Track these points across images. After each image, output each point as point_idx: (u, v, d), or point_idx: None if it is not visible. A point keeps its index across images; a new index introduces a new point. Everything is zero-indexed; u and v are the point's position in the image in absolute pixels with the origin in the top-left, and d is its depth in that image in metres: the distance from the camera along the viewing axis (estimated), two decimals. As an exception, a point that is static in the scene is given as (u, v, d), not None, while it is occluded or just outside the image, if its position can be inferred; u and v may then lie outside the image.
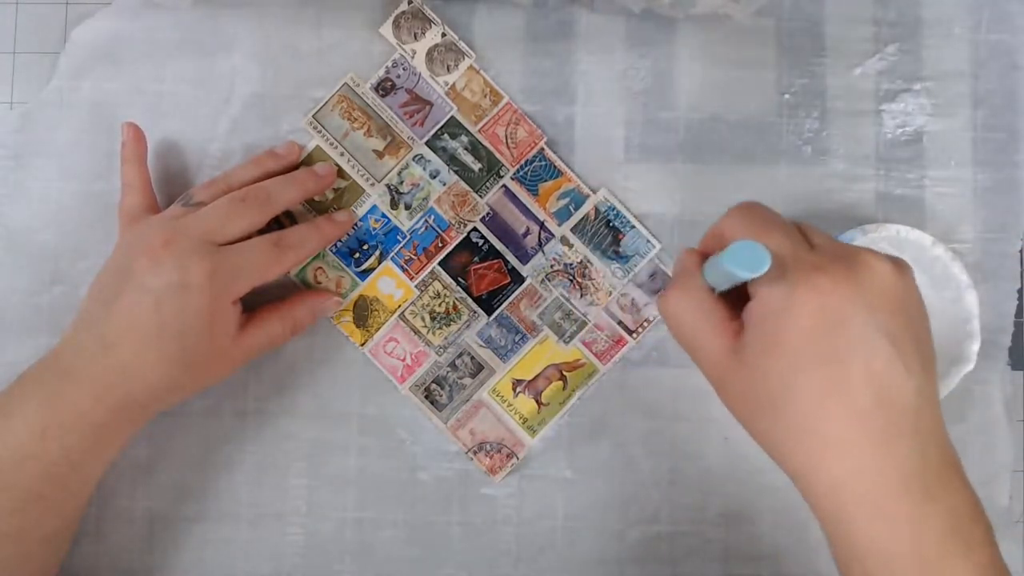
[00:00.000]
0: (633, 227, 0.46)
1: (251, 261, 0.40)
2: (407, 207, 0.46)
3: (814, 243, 0.32)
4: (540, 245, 0.46)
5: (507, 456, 0.45)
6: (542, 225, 0.46)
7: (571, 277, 0.46)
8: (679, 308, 0.33)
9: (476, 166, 0.46)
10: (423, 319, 0.46)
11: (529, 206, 0.46)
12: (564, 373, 0.46)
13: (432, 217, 0.46)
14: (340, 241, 0.46)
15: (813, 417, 0.30)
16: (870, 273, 0.30)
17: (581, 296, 0.46)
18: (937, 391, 0.32)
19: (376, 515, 0.45)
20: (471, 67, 0.46)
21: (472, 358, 0.46)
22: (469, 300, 0.46)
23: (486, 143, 0.46)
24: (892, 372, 0.30)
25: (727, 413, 0.34)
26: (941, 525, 0.29)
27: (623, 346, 0.46)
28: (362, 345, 0.46)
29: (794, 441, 0.31)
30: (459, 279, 0.46)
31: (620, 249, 0.46)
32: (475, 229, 0.46)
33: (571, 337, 0.46)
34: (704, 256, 0.34)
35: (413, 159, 0.46)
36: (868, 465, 0.30)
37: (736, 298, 0.32)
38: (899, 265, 0.31)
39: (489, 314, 0.46)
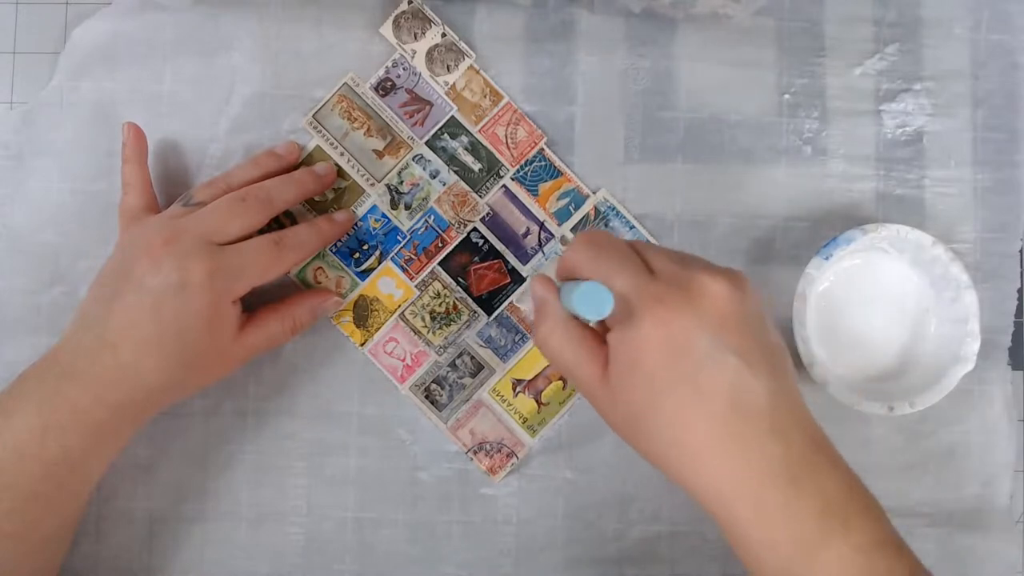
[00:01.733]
0: (633, 227, 0.46)
1: (251, 261, 0.40)
2: (407, 207, 0.46)
3: (654, 268, 0.34)
4: (540, 245, 0.46)
5: (507, 456, 0.45)
6: (542, 225, 0.46)
7: (571, 277, 0.46)
8: (551, 341, 0.35)
9: (476, 166, 0.46)
10: (423, 319, 0.46)
11: (529, 206, 0.46)
12: (564, 373, 0.46)
13: (432, 217, 0.46)
14: (340, 241, 0.46)
15: (679, 432, 0.33)
16: (706, 297, 0.33)
17: (581, 296, 0.46)
18: (794, 386, 0.34)
19: (376, 515, 0.45)
20: (471, 67, 0.46)
21: (472, 358, 0.46)
22: (469, 300, 0.46)
23: (486, 143, 0.46)
24: (741, 380, 0.32)
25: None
26: (814, 507, 0.31)
27: (623, 346, 0.46)
28: (362, 345, 0.46)
29: (670, 455, 0.33)
30: (459, 279, 0.46)
31: (620, 249, 0.46)
32: (475, 229, 0.46)
33: (571, 337, 0.46)
34: (556, 285, 0.37)
35: (413, 159, 0.46)
36: (736, 464, 0.32)
37: (602, 322, 0.35)
38: (734, 280, 0.34)
39: (489, 314, 0.46)
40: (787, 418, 0.32)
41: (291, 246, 0.42)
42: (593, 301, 0.32)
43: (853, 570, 0.31)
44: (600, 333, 0.35)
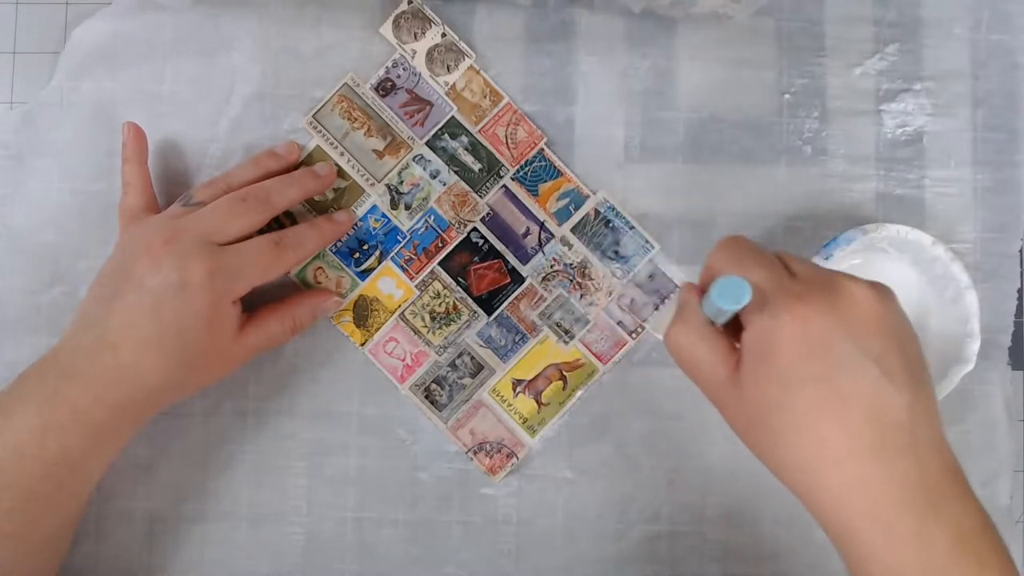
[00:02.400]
0: (633, 227, 0.46)
1: (251, 261, 0.40)
2: (407, 207, 0.46)
3: (795, 272, 0.33)
4: (540, 245, 0.46)
5: (507, 456, 0.45)
6: (542, 225, 0.46)
7: (571, 277, 0.46)
8: (682, 342, 0.34)
9: (476, 166, 0.46)
10: (423, 319, 0.46)
11: (529, 206, 0.46)
12: (564, 373, 0.46)
13: (432, 217, 0.46)
14: (340, 241, 0.46)
15: (807, 435, 0.31)
16: (850, 299, 0.31)
17: (581, 296, 0.46)
18: (934, 407, 0.32)
19: (376, 515, 0.45)
20: (471, 67, 0.46)
21: (472, 358, 0.46)
22: (469, 300, 0.46)
23: (486, 143, 0.46)
24: (880, 390, 0.30)
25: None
26: (947, 538, 0.30)
27: (623, 346, 0.46)
28: (362, 345, 0.46)
29: (793, 459, 0.32)
30: (459, 279, 0.46)
31: (620, 249, 0.46)
32: (475, 229, 0.46)
33: (571, 337, 0.46)
34: (702, 290, 0.36)
35: (413, 159, 0.46)
36: (866, 479, 0.30)
37: (737, 330, 0.34)
38: (879, 289, 0.32)
39: (489, 314, 0.46)
40: (925, 439, 0.31)
41: (291, 246, 0.42)
42: (732, 290, 0.31)
43: None
44: (734, 340, 0.34)
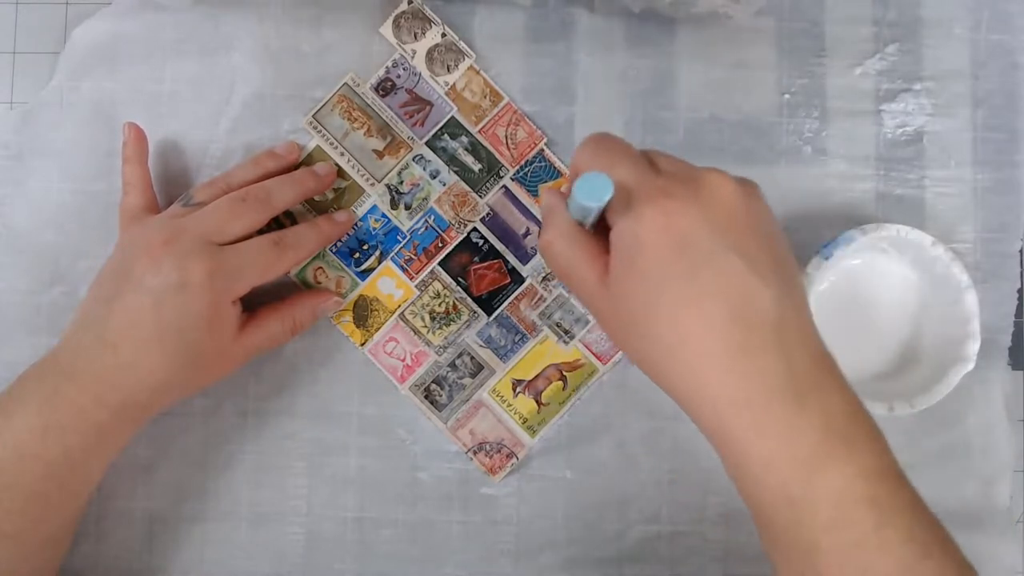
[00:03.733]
0: (633, 227, 0.46)
1: (251, 261, 0.40)
2: (407, 207, 0.46)
3: (661, 168, 0.33)
4: (540, 245, 0.46)
5: (507, 456, 0.46)
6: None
7: (571, 277, 0.46)
8: (553, 247, 0.34)
9: (476, 166, 0.46)
10: (423, 319, 0.46)
11: (529, 206, 0.46)
12: (564, 373, 0.46)
13: (432, 217, 0.46)
14: (340, 241, 0.46)
15: (675, 333, 0.30)
16: (715, 192, 0.31)
17: (581, 296, 0.46)
18: (802, 300, 0.32)
19: (376, 515, 0.45)
20: (471, 67, 0.46)
21: (472, 358, 0.46)
22: (469, 300, 0.46)
23: (486, 143, 0.46)
24: (746, 285, 0.30)
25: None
26: (816, 427, 0.29)
27: (623, 346, 0.46)
28: (362, 345, 0.46)
29: (664, 360, 0.31)
30: (459, 279, 0.46)
31: (620, 249, 0.46)
32: (475, 229, 0.46)
33: (571, 337, 0.46)
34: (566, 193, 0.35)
35: (413, 159, 0.46)
36: (733, 374, 0.30)
37: (608, 231, 0.33)
38: (745, 184, 0.32)
39: (489, 314, 0.46)
40: (794, 331, 0.31)
41: (291, 246, 0.42)
42: (594, 186, 0.30)
43: (854, 494, 0.29)
44: (605, 241, 0.33)
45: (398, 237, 0.46)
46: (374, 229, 0.46)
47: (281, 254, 0.41)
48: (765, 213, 0.32)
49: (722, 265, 0.30)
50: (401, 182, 0.46)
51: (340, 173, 0.46)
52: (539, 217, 0.46)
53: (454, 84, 0.46)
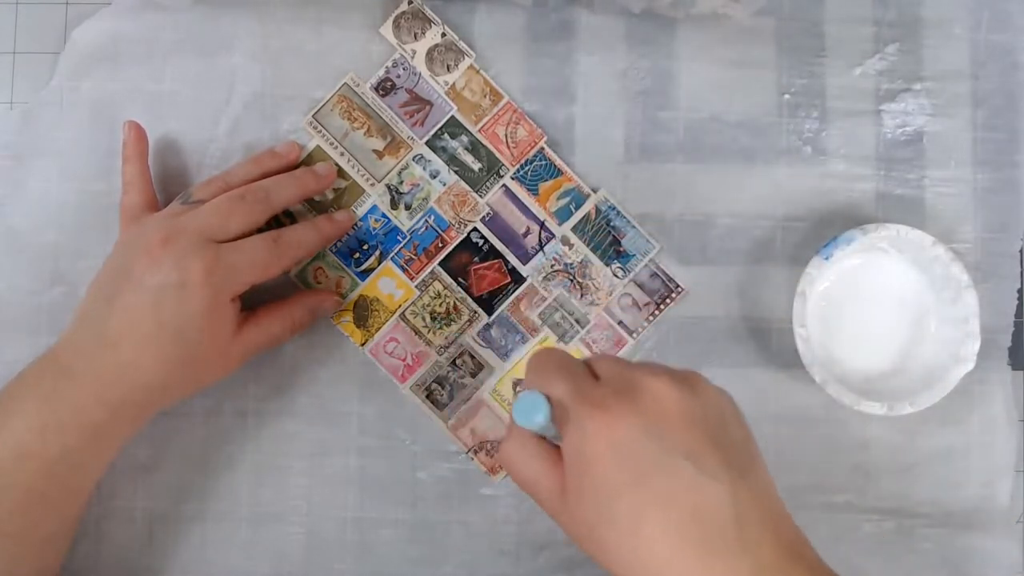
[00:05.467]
0: (634, 227, 0.46)
1: (250, 259, 0.40)
2: (407, 207, 0.46)
3: (600, 375, 0.33)
4: (540, 245, 0.46)
5: (507, 456, 0.45)
6: (542, 225, 0.46)
7: (571, 277, 0.46)
8: (511, 458, 0.33)
9: (476, 166, 0.46)
10: (423, 319, 0.46)
11: (529, 206, 0.46)
12: (564, 373, 0.46)
13: (432, 217, 0.46)
14: (340, 241, 0.46)
15: (634, 541, 0.30)
16: (650, 398, 0.31)
17: (581, 296, 0.46)
18: (762, 486, 0.31)
19: (376, 515, 0.45)
20: (471, 67, 0.46)
21: (473, 358, 0.46)
22: (469, 300, 0.46)
23: (486, 143, 0.46)
24: (697, 486, 0.30)
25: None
26: None
27: (623, 346, 0.46)
28: (362, 345, 0.46)
29: (627, 567, 0.31)
30: (459, 279, 0.46)
31: (620, 249, 0.46)
32: (475, 229, 0.46)
33: (571, 337, 0.46)
34: None
35: (413, 159, 0.46)
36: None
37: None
38: (682, 379, 0.32)
39: (489, 314, 0.46)
40: (755, 524, 0.30)
41: (290, 244, 0.42)
42: (527, 408, 0.31)
43: None
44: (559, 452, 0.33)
45: (398, 237, 0.46)
46: (374, 229, 0.46)
47: (280, 252, 0.41)
48: (710, 405, 0.32)
49: (669, 471, 0.30)
50: (401, 182, 0.46)
51: (340, 173, 0.46)
52: (539, 217, 0.46)
53: (454, 84, 0.46)
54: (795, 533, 0.31)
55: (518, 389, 0.35)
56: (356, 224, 0.46)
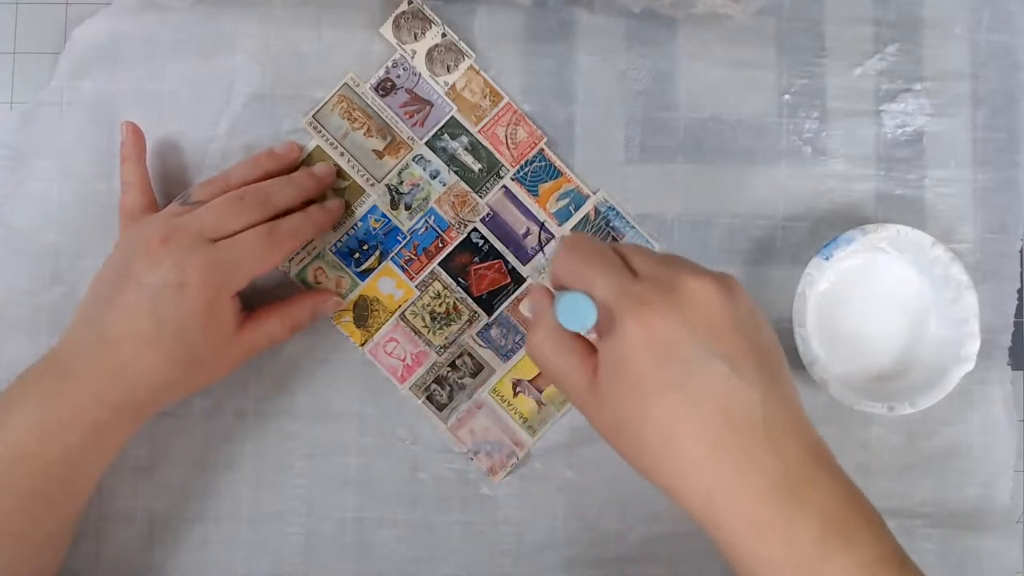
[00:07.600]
0: (633, 227, 0.46)
1: (246, 252, 0.40)
2: (407, 207, 0.46)
3: (637, 270, 0.33)
4: (540, 245, 0.46)
5: (507, 456, 0.45)
6: (542, 225, 0.46)
7: (571, 277, 0.46)
8: (541, 351, 0.34)
9: (476, 166, 0.46)
10: (423, 319, 0.46)
11: (529, 206, 0.46)
12: (564, 373, 0.46)
13: (432, 217, 0.46)
14: (340, 241, 0.46)
15: (669, 440, 0.31)
16: (693, 298, 0.31)
17: (581, 296, 0.46)
18: (790, 394, 0.32)
19: (376, 515, 0.45)
20: (471, 67, 0.46)
21: (472, 358, 0.46)
22: (469, 300, 0.46)
23: (486, 143, 0.46)
24: (732, 388, 0.31)
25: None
26: (814, 523, 0.30)
27: (623, 346, 0.46)
28: (362, 345, 0.46)
29: (659, 464, 0.32)
30: (459, 279, 0.46)
31: (620, 249, 0.46)
32: (475, 229, 0.46)
33: (571, 337, 0.46)
34: (552, 293, 0.35)
35: (413, 159, 0.46)
36: (729, 478, 0.30)
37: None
38: (722, 283, 0.32)
39: (489, 314, 0.46)
40: (783, 428, 0.31)
41: (285, 234, 0.42)
42: (576, 313, 0.32)
43: None
44: (592, 342, 0.34)
45: (398, 237, 0.46)
46: (374, 229, 0.46)
47: (276, 243, 0.41)
48: (745, 309, 0.32)
49: (706, 372, 0.31)
50: (401, 182, 0.46)
51: (340, 173, 0.46)
52: (539, 218, 0.46)
53: (454, 84, 0.46)
54: (817, 439, 0.32)
55: (541, 278, 0.34)
56: (356, 224, 0.46)
